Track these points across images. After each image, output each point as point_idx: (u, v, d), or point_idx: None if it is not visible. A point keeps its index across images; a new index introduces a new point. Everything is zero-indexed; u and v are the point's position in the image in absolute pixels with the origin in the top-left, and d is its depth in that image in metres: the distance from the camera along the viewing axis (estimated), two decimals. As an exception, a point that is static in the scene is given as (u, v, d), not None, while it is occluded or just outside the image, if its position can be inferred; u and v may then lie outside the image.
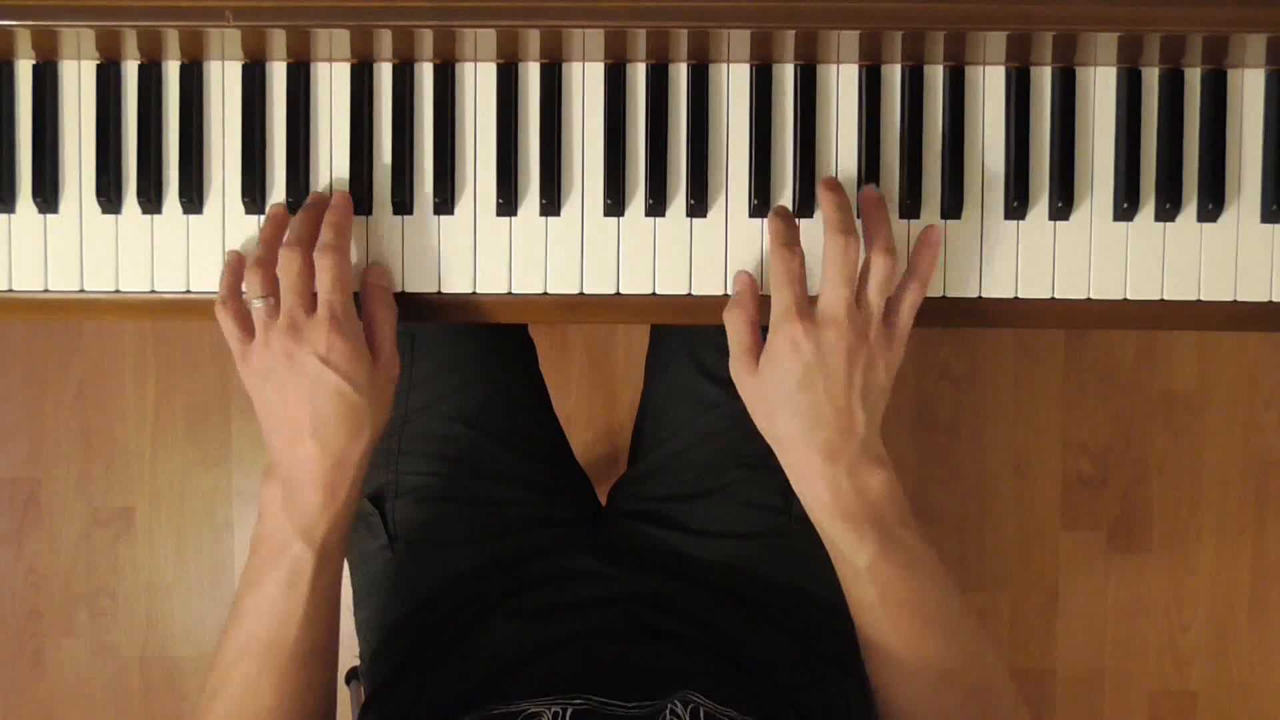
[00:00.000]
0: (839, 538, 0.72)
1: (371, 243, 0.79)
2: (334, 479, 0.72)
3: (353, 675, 1.04)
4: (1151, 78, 0.79)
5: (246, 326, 0.74)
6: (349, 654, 0.99)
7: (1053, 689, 1.75)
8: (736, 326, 0.75)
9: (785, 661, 0.85)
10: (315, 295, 0.73)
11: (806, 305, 0.71)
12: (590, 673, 0.78)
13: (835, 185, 0.76)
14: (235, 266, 0.76)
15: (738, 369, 0.75)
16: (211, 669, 0.74)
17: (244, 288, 0.74)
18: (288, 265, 0.72)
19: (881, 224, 0.74)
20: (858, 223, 0.75)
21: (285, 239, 0.74)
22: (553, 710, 0.67)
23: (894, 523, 0.72)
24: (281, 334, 0.71)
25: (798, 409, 0.71)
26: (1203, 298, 0.80)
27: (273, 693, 0.73)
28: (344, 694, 1.05)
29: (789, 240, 0.73)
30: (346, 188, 0.79)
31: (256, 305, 0.73)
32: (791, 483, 0.74)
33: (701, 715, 0.67)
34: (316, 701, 0.76)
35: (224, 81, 0.79)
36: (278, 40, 0.76)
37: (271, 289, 0.73)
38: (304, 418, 0.71)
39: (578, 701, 0.68)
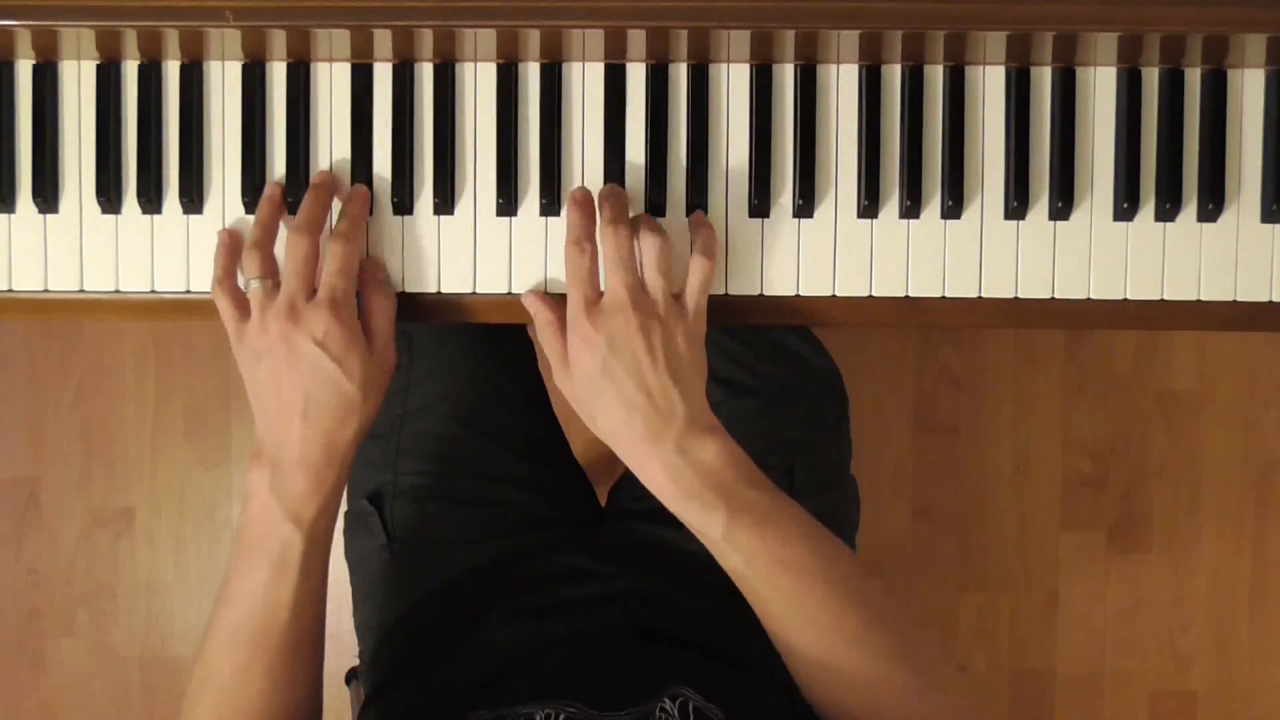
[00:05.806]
0: (690, 516, 0.72)
1: (371, 242, 0.79)
2: (322, 463, 0.72)
3: (352, 675, 1.04)
4: (1151, 78, 0.79)
5: (242, 306, 0.74)
6: (349, 654, 0.99)
7: (1053, 689, 1.75)
8: (549, 342, 0.75)
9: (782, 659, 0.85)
10: (313, 281, 0.73)
11: (595, 300, 0.73)
12: (585, 675, 0.78)
13: (586, 192, 0.77)
14: (230, 246, 0.76)
15: (558, 379, 0.75)
16: (199, 657, 0.74)
17: (241, 268, 0.75)
18: (295, 248, 0.73)
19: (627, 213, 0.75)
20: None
21: (295, 222, 0.74)
22: (544, 712, 0.67)
23: (739, 486, 0.71)
24: (279, 316, 0.72)
25: (608, 400, 0.72)
26: (1203, 298, 0.80)
27: (263, 678, 0.73)
28: (344, 694, 1.05)
29: (579, 237, 0.74)
30: (347, 187, 0.79)
31: (254, 286, 0.73)
32: (638, 477, 0.74)
33: (690, 710, 0.67)
34: (305, 690, 0.76)
35: (224, 81, 0.79)
36: (278, 40, 0.76)
37: (269, 270, 0.73)
38: (296, 401, 0.72)
39: (571, 709, 0.68)
